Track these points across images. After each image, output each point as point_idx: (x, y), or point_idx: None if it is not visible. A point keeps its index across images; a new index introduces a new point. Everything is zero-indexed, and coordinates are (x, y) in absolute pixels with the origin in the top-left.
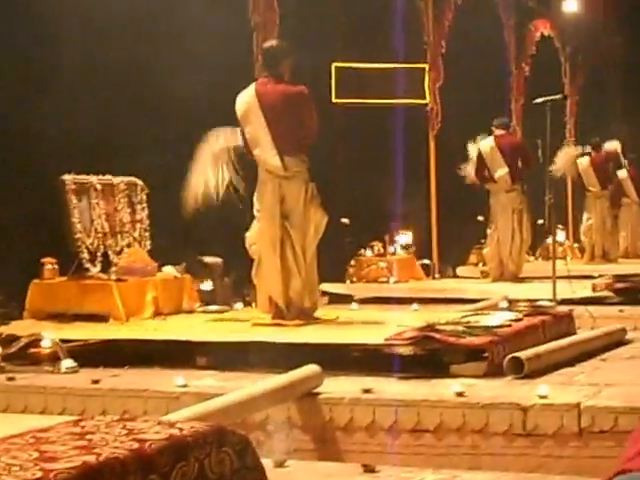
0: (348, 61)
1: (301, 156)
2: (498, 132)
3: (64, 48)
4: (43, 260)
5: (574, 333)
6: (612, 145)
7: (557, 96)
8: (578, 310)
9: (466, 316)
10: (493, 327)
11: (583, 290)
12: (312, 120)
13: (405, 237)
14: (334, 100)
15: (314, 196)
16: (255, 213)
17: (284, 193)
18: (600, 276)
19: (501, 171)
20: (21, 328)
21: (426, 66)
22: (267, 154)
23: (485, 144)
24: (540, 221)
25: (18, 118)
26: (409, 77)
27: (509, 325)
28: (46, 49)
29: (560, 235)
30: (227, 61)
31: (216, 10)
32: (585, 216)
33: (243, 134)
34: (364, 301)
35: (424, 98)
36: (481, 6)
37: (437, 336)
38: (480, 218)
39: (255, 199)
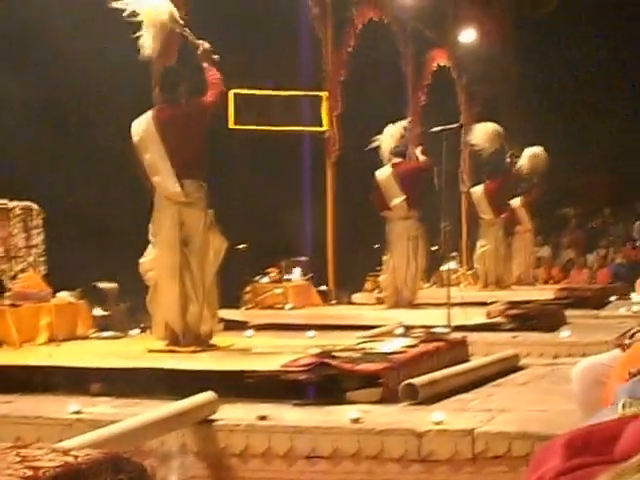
0: (247, 88)
1: (199, 181)
2: (395, 160)
3: None
4: None
5: (468, 359)
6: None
7: (453, 125)
8: (472, 336)
9: (362, 343)
10: (388, 353)
11: (477, 317)
12: (200, 137)
13: (302, 264)
14: (231, 126)
15: (213, 222)
16: (151, 239)
17: (183, 219)
18: (494, 302)
19: (397, 200)
20: None
21: (324, 94)
22: (167, 181)
23: (382, 172)
24: (434, 247)
25: None
26: (308, 104)
27: (404, 351)
28: None
29: (454, 262)
30: (130, 87)
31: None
32: (479, 243)
33: (141, 161)
34: (260, 328)
35: (322, 125)
36: (380, 35)
37: (333, 362)
38: (376, 246)
39: (151, 225)
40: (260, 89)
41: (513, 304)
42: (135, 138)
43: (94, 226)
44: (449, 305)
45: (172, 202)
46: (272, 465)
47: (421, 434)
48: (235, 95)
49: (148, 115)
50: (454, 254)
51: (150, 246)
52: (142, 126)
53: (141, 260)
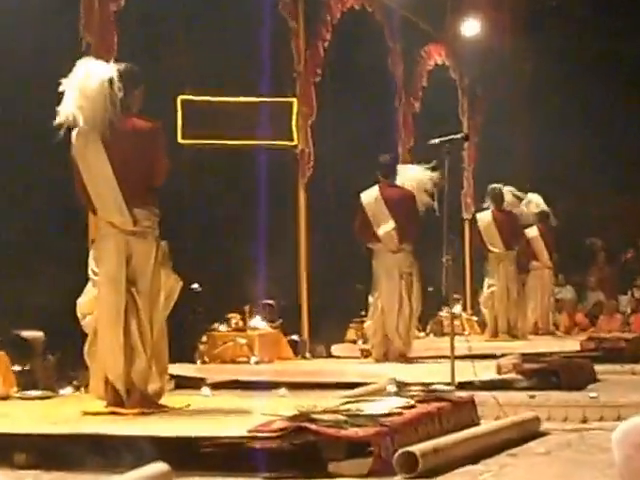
0: (199, 94)
1: (151, 208)
2: (384, 181)
3: None
4: None
5: (477, 423)
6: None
7: (457, 135)
8: (481, 396)
9: (347, 403)
10: (379, 416)
11: (486, 372)
12: (161, 164)
13: (269, 308)
14: (180, 140)
15: (166, 257)
16: (91, 276)
17: (131, 252)
18: (505, 355)
19: (386, 227)
20: None
21: (295, 100)
22: (112, 206)
23: (368, 195)
24: (430, 288)
25: None
26: (275, 113)
27: (399, 413)
28: None
29: (456, 306)
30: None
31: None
32: (486, 282)
33: (81, 181)
34: (220, 385)
35: (292, 139)
36: (363, 28)
37: (313, 427)
38: (359, 286)
39: (92, 259)
40: (215, 95)
41: (529, 357)
42: (75, 152)
43: (15, 262)
44: (452, 358)
45: (118, 231)
46: None
47: None
48: (183, 102)
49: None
50: (456, 296)
51: (89, 284)
52: (83, 135)
53: (78, 301)
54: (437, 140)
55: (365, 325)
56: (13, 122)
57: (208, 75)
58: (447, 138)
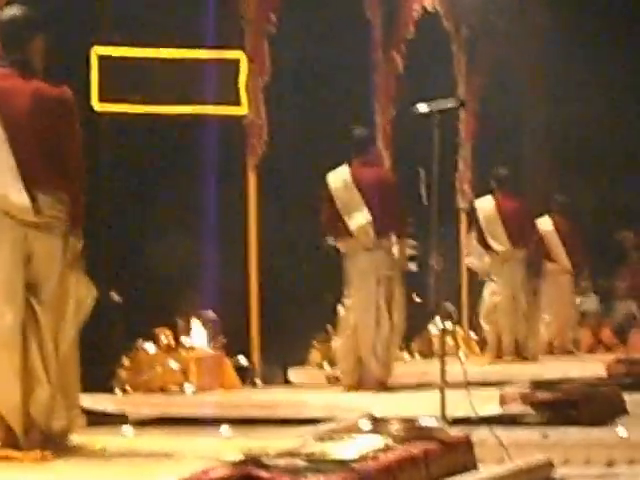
0: (117, 45)
1: (59, 194)
2: (358, 160)
3: None
4: None
5: (474, 468)
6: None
7: (451, 103)
8: (480, 434)
9: (308, 444)
10: (350, 461)
11: (486, 404)
12: (73, 140)
13: (208, 322)
14: (96, 107)
15: (77, 257)
16: None
17: (31, 251)
18: (511, 383)
19: (360, 218)
20: None
21: (242, 55)
22: (8, 188)
23: (337, 177)
24: (417, 298)
25: None
26: (217, 71)
27: (374, 457)
28: None
29: (449, 321)
30: None
31: None
32: (488, 290)
33: None
34: (145, 422)
35: (239, 104)
36: None
37: (265, 475)
38: (327, 295)
39: None
40: (139, 47)
41: (542, 385)
42: None
43: None
44: (443, 386)
45: (15, 222)
46: None
47: None
48: (100, 58)
49: None
50: (450, 307)
51: None
52: None
53: None
54: (426, 108)
55: (333, 344)
56: None
57: (131, 23)
58: (440, 106)
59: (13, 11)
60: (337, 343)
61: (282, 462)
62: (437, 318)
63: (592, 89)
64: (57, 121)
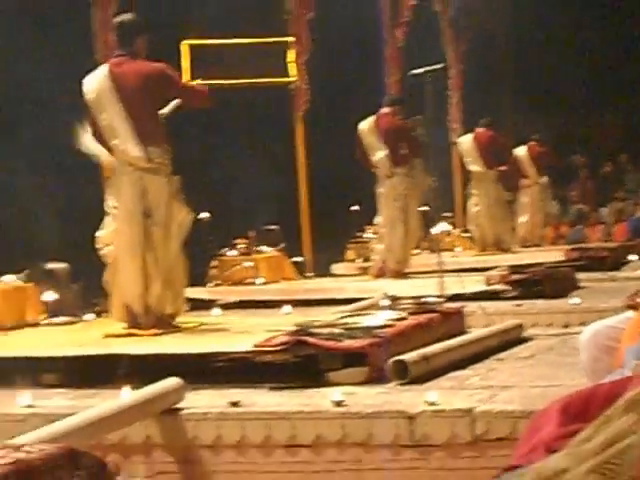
0: (200, 37)
1: (164, 145)
2: (384, 110)
3: None
4: None
5: (465, 332)
6: None
7: (437, 66)
8: (470, 306)
9: (343, 317)
10: (374, 328)
11: (475, 284)
12: (188, 91)
13: (272, 232)
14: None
15: (178, 191)
16: (108, 210)
17: (146, 187)
18: (493, 268)
19: (380, 153)
20: None
21: (290, 39)
22: (127, 144)
23: (364, 124)
24: (424, 208)
25: None
26: (271, 52)
27: (392, 325)
28: None
29: (445, 224)
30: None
31: None
32: (470, 201)
33: (94, 122)
34: (229, 306)
35: (288, 75)
36: None
37: (311, 340)
38: (355, 207)
39: (108, 194)
40: (215, 38)
41: (516, 268)
42: (89, 96)
43: (36, 201)
44: (441, 272)
45: (133, 168)
46: (247, 456)
47: (413, 416)
48: (188, 47)
49: (103, 69)
50: (447, 215)
51: (107, 218)
52: (97, 82)
53: (98, 234)
54: (419, 70)
55: (372, 245)
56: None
57: (207, 19)
58: (428, 69)
59: (125, 17)
60: (374, 244)
61: (324, 330)
62: (440, 223)
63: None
64: (160, 88)
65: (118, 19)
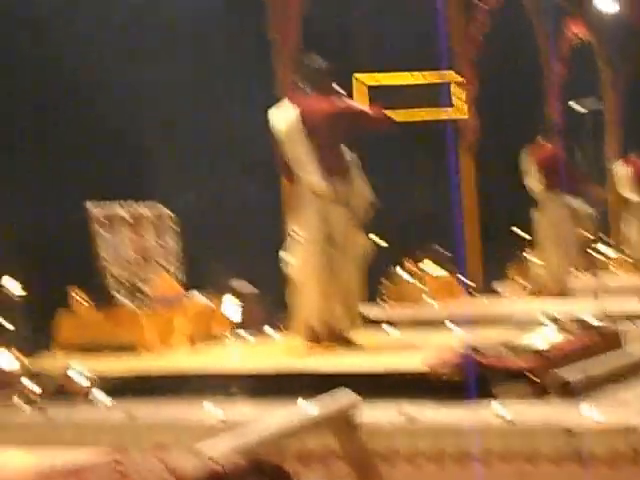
0: (370, 72)
1: (346, 177)
2: (541, 139)
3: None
4: (71, 290)
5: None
6: None
7: (594, 101)
8: (628, 326)
9: (508, 336)
10: (537, 346)
11: (633, 305)
12: (369, 118)
13: (441, 254)
14: None
15: (357, 219)
16: (293, 235)
17: (328, 215)
18: None
19: (534, 180)
20: (51, 361)
21: (456, 75)
22: (312, 176)
23: (523, 152)
24: (581, 230)
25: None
26: (440, 89)
27: (554, 344)
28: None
29: (604, 247)
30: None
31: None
32: (628, 226)
33: (282, 154)
34: (400, 324)
35: (457, 110)
36: (511, 8)
37: (480, 358)
38: (515, 228)
39: (294, 220)
40: (386, 72)
41: None
42: (277, 130)
43: (221, 222)
44: (600, 293)
45: (318, 198)
46: (421, 468)
47: (575, 431)
48: (360, 81)
49: (290, 106)
50: (604, 238)
51: (292, 241)
52: (285, 118)
53: (283, 255)
54: (577, 102)
55: (530, 265)
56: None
57: (380, 55)
58: (585, 100)
59: (312, 58)
60: (534, 264)
61: (492, 349)
62: (597, 245)
63: None
64: (343, 124)
65: (306, 60)
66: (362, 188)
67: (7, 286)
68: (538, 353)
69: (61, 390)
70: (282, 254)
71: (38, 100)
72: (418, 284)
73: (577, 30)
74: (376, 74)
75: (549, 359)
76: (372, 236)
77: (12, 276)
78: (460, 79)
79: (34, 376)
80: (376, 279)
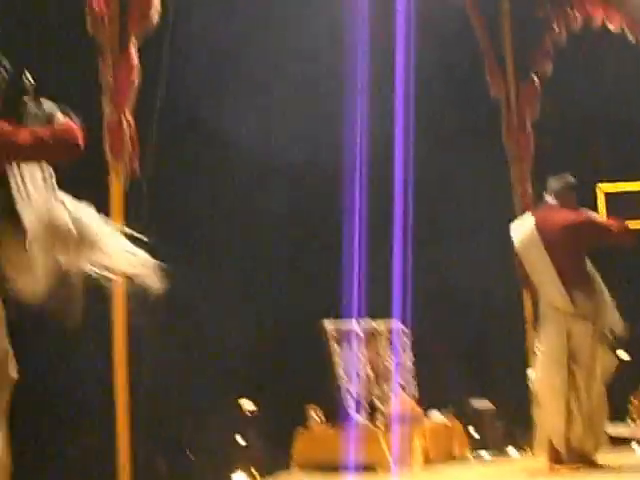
0: (614, 181)
1: (586, 289)
2: None
3: None
4: (308, 407)
5: None
6: None
7: None
8: None
9: None
10: None
11: None
12: (611, 233)
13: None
14: None
15: (603, 334)
16: (537, 351)
17: (571, 331)
18: None
19: None
20: None
21: None
22: (553, 290)
23: None
24: None
25: None
26: None
27: None
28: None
29: None
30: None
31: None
32: None
33: (521, 266)
34: None
35: None
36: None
37: None
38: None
39: (537, 336)
40: (628, 181)
41: None
42: (517, 243)
43: (459, 340)
44: None
45: (560, 313)
46: None
47: None
48: (603, 191)
49: (531, 220)
50: None
51: (536, 358)
52: (524, 232)
53: (529, 373)
54: None
55: None
56: None
57: (621, 162)
58: None
59: (566, 177)
60: None
61: None
62: None
63: None
64: (584, 236)
65: (559, 178)
66: (606, 303)
67: (243, 403)
68: None
69: None
70: (528, 371)
71: None
72: None
73: None
74: (618, 183)
75: None
76: (619, 351)
77: (248, 392)
78: None
79: None
80: (624, 396)
